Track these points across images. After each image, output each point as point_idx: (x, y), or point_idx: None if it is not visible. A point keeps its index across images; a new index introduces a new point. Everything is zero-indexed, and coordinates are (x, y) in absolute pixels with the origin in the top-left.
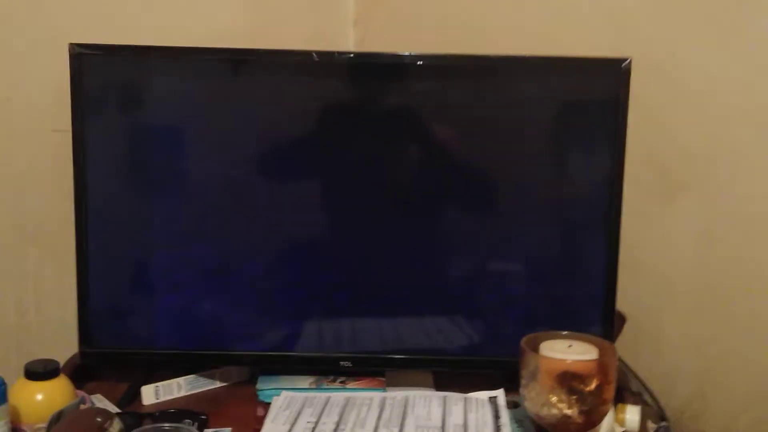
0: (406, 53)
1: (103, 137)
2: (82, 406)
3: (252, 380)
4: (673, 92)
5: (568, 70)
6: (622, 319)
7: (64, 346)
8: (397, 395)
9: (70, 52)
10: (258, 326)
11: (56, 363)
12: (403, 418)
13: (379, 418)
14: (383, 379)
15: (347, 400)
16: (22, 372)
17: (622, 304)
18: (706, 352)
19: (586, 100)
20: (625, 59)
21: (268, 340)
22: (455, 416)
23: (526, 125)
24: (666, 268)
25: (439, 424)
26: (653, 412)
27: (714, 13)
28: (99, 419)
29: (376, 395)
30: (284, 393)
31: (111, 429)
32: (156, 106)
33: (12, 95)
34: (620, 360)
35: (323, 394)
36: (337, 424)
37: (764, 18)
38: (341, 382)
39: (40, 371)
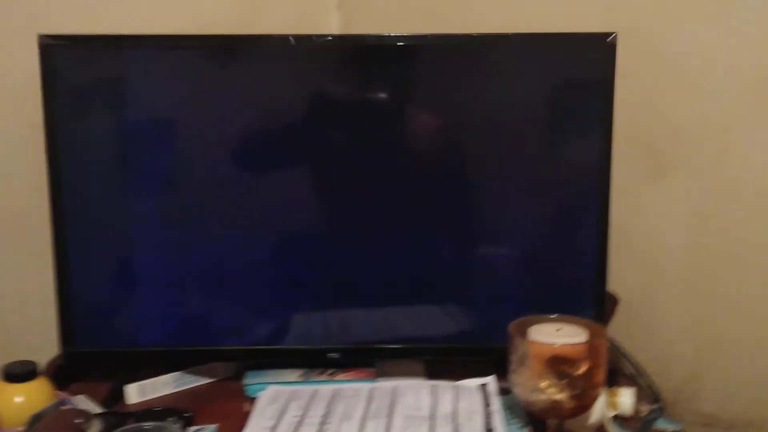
0: (388, 34)
1: (78, 131)
2: (62, 408)
3: (239, 375)
4: (661, 69)
5: (553, 47)
6: (615, 301)
7: (48, 346)
8: (385, 385)
9: (39, 43)
10: (244, 320)
11: (34, 364)
12: (392, 409)
13: (366, 409)
14: (373, 369)
15: (335, 393)
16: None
17: (614, 286)
18: (700, 333)
19: (573, 78)
20: (611, 34)
21: (255, 334)
22: (445, 405)
23: (512, 105)
24: (657, 249)
25: (428, 413)
26: (647, 394)
27: None
28: (78, 420)
29: (365, 386)
30: (270, 387)
31: (90, 430)
32: (133, 97)
33: None
34: (613, 342)
35: (310, 388)
36: (324, 417)
37: None
38: (330, 374)
39: (18, 373)
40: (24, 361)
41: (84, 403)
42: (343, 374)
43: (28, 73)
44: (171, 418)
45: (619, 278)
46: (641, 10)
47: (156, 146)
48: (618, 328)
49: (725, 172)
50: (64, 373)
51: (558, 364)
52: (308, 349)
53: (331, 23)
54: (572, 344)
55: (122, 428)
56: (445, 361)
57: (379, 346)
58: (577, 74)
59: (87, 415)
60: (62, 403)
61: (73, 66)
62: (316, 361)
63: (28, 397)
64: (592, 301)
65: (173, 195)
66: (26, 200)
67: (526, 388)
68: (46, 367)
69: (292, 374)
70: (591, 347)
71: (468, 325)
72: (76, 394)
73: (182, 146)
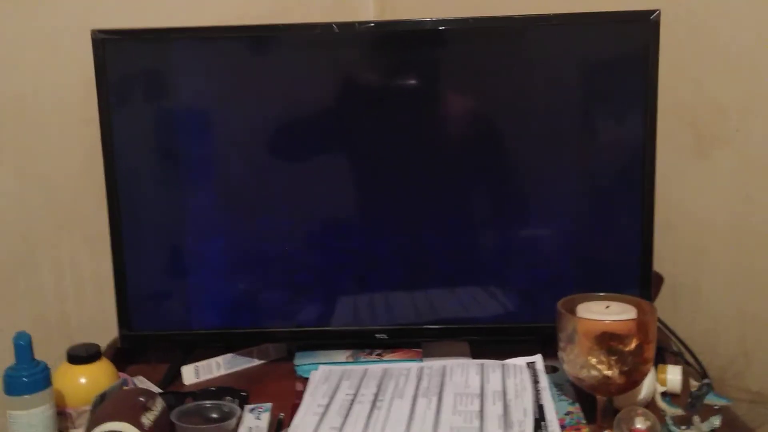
0: (428, 19)
1: (130, 124)
2: (125, 388)
3: (289, 357)
4: (704, 45)
5: (595, 26)
6: (660, 280)
7: (104, 330)
8: (434, 365)
9: (92, 38)
10: (293, 303)
11: (97, 346)
12: (442, 387)
13: (417, 387)
14: (419, 350)
15: (385, 372)
16: (64, 357)
17: (660, 264)
18: (746, 312)
19: (616, 56)
20: (654, 11)
21: (304, 316)
22: (493, 383)
23: (554, 86)
24: (703, 227)
25: (478, 391)
26: (695, 371)
27: None
28: (142, 399)
29: (414, 365)
30: (322, 367)
31: (154, 408)
32: (181, 88)
33: (38, 87)
34: (659, 320)
35: (361, 367)
36: (376, 395)
37: None
38: (378, 355)
39: (82, 355)
40: (87, 343)
41: (143, 383)
42: (391, 354)
43: (78, 70)
44: (228, 397)
45: (664, 257)
46: None
47: (203, 135)
48: (664, 307)
49: None
50: (122, 356)
51: (607, 341)
52: (356, 330)
53: (368, 8)
54: (622, 321)
55: (184, 406)
56: (490, 341)
57: (425, 326)
58: (619, 53)
59: (149, 394)
60: (124, 383)
61: (123, 59)
62: (364, 341)
63: (91, 378)
64: (637, 281)
65: (221, 183)
66: (82, 190)
67: (576, 364)
68: (105, 349)
69: (341, 355)
70: (640, 324)
71: (512, 306)
72: (134, 375)
73: (229, 135)
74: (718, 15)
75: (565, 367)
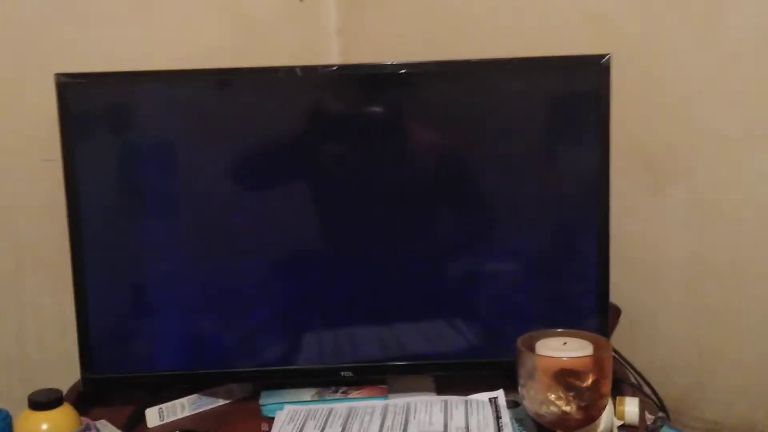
0: (389, 62)
1: (93, 164)
2: None
3: (255, 395)
4: (653, 86)
5: (549, 70)
6: (618, 312)
7: (67, 373)
8: (398, 402)
9: (56, 81)
10: (257, 341)
11: (59, 392)
12: (406, 425)
13: (382, 425)
14: (385, 387)
15: (350, 410)
16: (25, 402)
17: (616, 297)
18: (701, 342)
19: (569, 98)
20: (604, 56)
21: (269, 354)
22: (457, 419)
23: (512, 126)
24: (658, 260)
25: (441, 428)
26: (652, 402)
27: (689, 8)
28: None
29: (379, 403)
30: (287, 407)
31: None
32: (145, 129)
33: (0, 126)
34: (617, 353)
35: (326, 406)
36: None
37: (739, 10)
38: (343, 392)
39: (43, 401)
40: (48, 389)
41: (106, 427)
42: (357, 392)
43: (39, 109)
44: None
45: (620, 289)
46: (630, 30)
47: (167, 175)
48: (621, 339)
49: (721, 183)
50: (85, 399)
51: (565, 377)
52: (321, 369)
53: (332, 50)
54: (579, 357)
55: None
56: (454, 376)
57: (390, 363)
58: (573, 94)
59: None
60: (87, 428)
61: (86, 101)
62: (330, 379)
63: (53, 425)
64: (595, 312)
65: (183, 222)
66: (43, 232)
67: (536, 400)
68: (67, 393)
69: (307, 393)
70: (596, 360)
71: (475, 340)
72: (97, 419)
73: (192, 174)
74: (668, 58)
75: (526, 403)
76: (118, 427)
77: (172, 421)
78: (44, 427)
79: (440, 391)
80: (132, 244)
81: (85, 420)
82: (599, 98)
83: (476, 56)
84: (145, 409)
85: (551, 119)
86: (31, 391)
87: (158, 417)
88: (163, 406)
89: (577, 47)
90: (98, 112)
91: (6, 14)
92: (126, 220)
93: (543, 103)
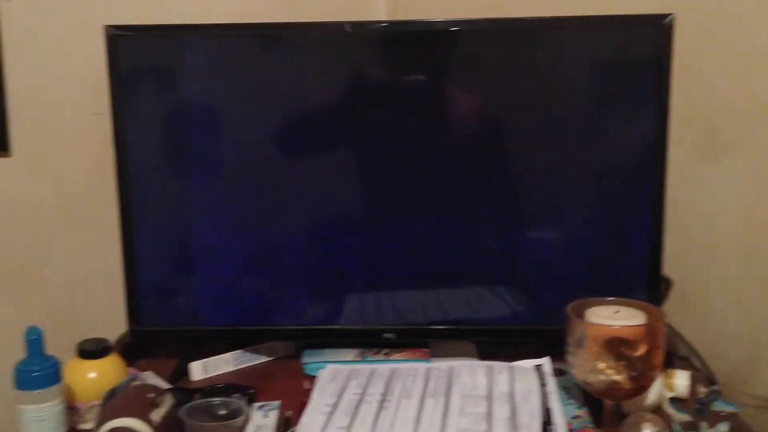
0: (439, 19)
1: (141, 118)
2: (134, 383)
3: (297, 354)
4: (717, 49)
5: (608, 30)
6: (668, 284)
7: (114, 325)
8: (441, 365)
9: (105, 34)
10: (301, 301)
11: (108, 342)
12: (449, 388)
13: (424, 388)
14: (427, 350)
15: (392, 371)
16: (73, 351)
17: (668, 268)
18: (755, 316)
19: (629, 60)
20: (667, 15)
21: (312, 314)
22: (501, 385)
23: (566, 89)
24: (713, 231)
25: (485, 393)
26: (703, 376)
27: None
28: (151, 395)
29: (421, 366)
30: (329, 366)
31: (163, 404)
32: (193, 85)
33: (51, 81)
34: (668, 325)
35: (368, 366)
36: (384, 395)
37: None
38: (385, 354)
39: (92, 350)
40: (97, 338)
41: (152, 378)
42: (398, 354)
43: (89, 64)
44: (236, 394)
45: (674, 260)
46: None
47: (214, 132)
48: (673, 311)
49: None
50: (131, 351)
51: (616, 346)
52: (363, 330)
53: (380, 7)
54: (631, 326)
55: (193, 403)
56: (497, 343)
57: (432, 327)
58: (632, 56)
59: (159, 390)
60: (134, 379)
61: (135, 55)
62: (372, 341)
63: (101, 373)
64: (646, 284)
65: (231, 179)
66: (93, 184)
67: (584, 369)
68: (114, 344)
69: (349, 354)
70: (649, 329)
71: (521, 308)
72: (143, 370)
73: (239, 132)
74: (731, 18)
75: (574, 371)
76: (163, 378)
77: (215, 375)
78: (92, 375)
79: (483, 358)
80: (178, 201)
81: (132, 370)
82: (660, 61)
83: (530, 15)
84: (189, 363)
85: (608, 82)
86: (78, 340)
87: (202, 371)
88: (208, 360)
89: (637, 6)
90: (147, 66)
91: None
92: (172, 177)
93: (600, 65)
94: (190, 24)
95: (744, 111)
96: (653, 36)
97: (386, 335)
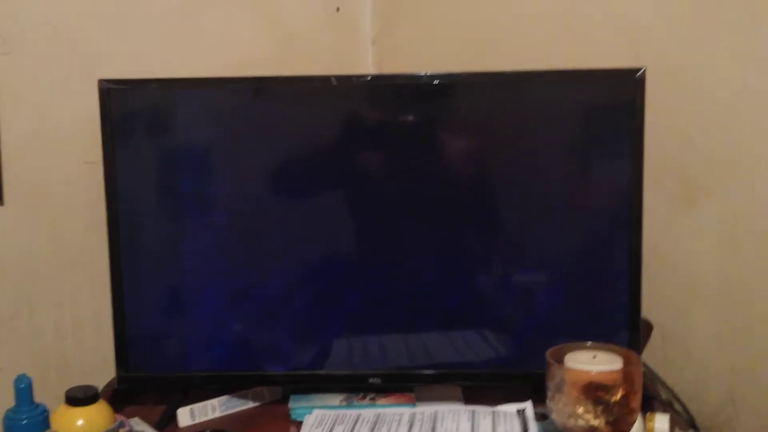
0: (423, 73)
1: (132, 167)
2: (121, 430)
3: (284, 399)
4: (690, 99)
5: (584, 82)
6: (649, 327)
7: (102, 371)
8: (426, 410)
9: (99, 87)
10: (288, 346)
11: (95, 389)
12: None
13: None
14: (412, 394)
15: (378, 417)
16: (62, 398)
17: (649, 311)
18: (735, 358)
19: (603, 110)
20: (639, 69)
21: (299, 359)
22: (484, 430)
23: (545, 138)
24: (692, 274)
25: None
26: (683, 419)
27: (726, 20)
28: None
29: (406, 411)
30: (315, 411)
31: None
32: (183, 136)
33: (44, 128)
34: (648, 368)
35: (354, 412)
36: None
37: None
38: (371, 399)
39: (80, 397)
40: (85, 385)
41: (139, 425)
42: (384, 399)
43: (82, 113)
44: None
45: (654, 303)
46: (667, 42)
47: (204, 180)
48: (653, 353)
49: (757, 198)
50: (120, 397)
51: (594, 391)
52: (350, 375)
53: (367, 60)
54: (608, 371)
55: None
56: (482, 387)
57: (418, 371)
58: (607, 107)
59: None
60: (121, 425)
61: (128, 107)
62: (358, 385)
63: (88, 420)
64: (626, 326)
65: (219, 226)
66: (83, 231)
67: (564, 414)
68: (102, 390)
69: (335, 398)
70: (626, 374)
71: (504, 351)
72: (131, 416)
73: (227, 181)
74: (704, 68)
75: (554, 416)
76: (151, 425)
77: (202, 422)
78: (80, 422)
79: (468, 401)
80: (168, 247)
81: (120, 417)
82: (634, 111)
83: (510, 68)
84: (176, 409)
85: (585, 131)
86: (67, 387)
87: (190, 417)
88: (195, 406)
89: (611, 59)
90: (138, 117)
91: (52, 21)
92: (163, 223)
93: (577, 115)
94: (180, 78)
95: (717, 158)
96: (626, 88)
97: (372, 380)
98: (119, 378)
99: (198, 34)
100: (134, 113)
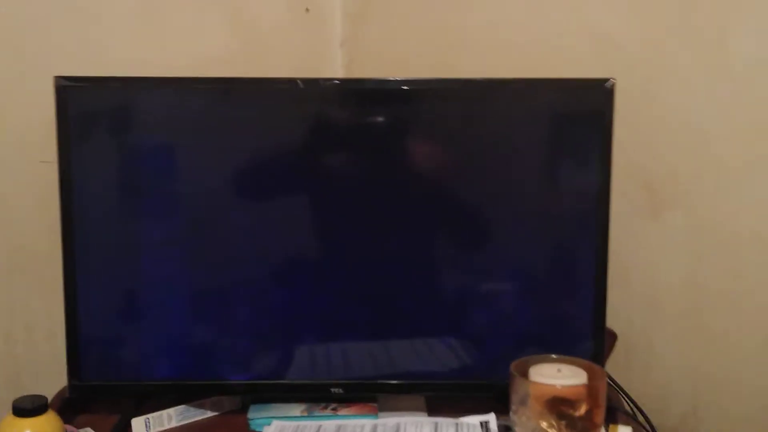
0: (391, 78)
1: (88, 167)
2: None
3: (244, 409)
4: (655, 110)
5: (553, 91)
6: (613, 337)
7: (55, 378)
8: (388, 422)
9: (55, 85)
10: (248, 354)
11: (44, 399)
12: None
13: None
14: (375, 404)
15: (339, 428)
16: (10, 407)
17: (613, 322)
18: (698, 370)
19: (572, 119)
20: (608, 80)
21: (259, 367)
22: None
23: (512, 146)
24: (655, 285)
25: None
26: (645, 431)
27: (694, 34)
28: None
29: (368, 422)
30: (275, 422)
31: None
32: (142, 136)
33: None
34: (611, 379)
35: (314, 423)
36: None
37: (743, 36)
38: (333, 409)
39: (27, 408)
40: (33, 395)
41: None
42: (346, 409)
43: (38, 112)
44: None
45: (617, 314)
46: (636, 54)
47: (162, 183)
48: (616, 364)
49: (721, 210)
50: (71, 406)
51: (558, 405)
52: (311, 384)
53: (336, 62)
54: (573, 386)
55: None
56: (446, 397)
57: (381, 381)
58: (576, 116)
59: None
60: None
61: (85, 106)
62: (319, 395)
63: None
64: (591, 336)
65: (176, 229)
66: (36, 233)
67: (527, 427)
68: (52, 400)
69: (296, 408)
70: (590, 389)
71: (468, 361)
72: (82, 426)
73: (187, 183)
74: (671, 82)
75: (517, 429)
76: None
77: None
78: None
79: (431, 411)
80: (124, 250)
81: (70, 428)
82: (602, 121)
83: (480, 74)
84: (131, 419)
85: (553, 140)
86: (19, 394)
87: (144, 427)
88: (150, 416)
89: (580, 68)
90: (96, 116)
91: (7, 16)
92: (119, 225)
93: (545, 123)
94: (140, 77)
95: (682, 169)
96: (596, 98)
97: (334, 390)
98: (71, 387)
99: (161, 31)
100: (92, 112)
